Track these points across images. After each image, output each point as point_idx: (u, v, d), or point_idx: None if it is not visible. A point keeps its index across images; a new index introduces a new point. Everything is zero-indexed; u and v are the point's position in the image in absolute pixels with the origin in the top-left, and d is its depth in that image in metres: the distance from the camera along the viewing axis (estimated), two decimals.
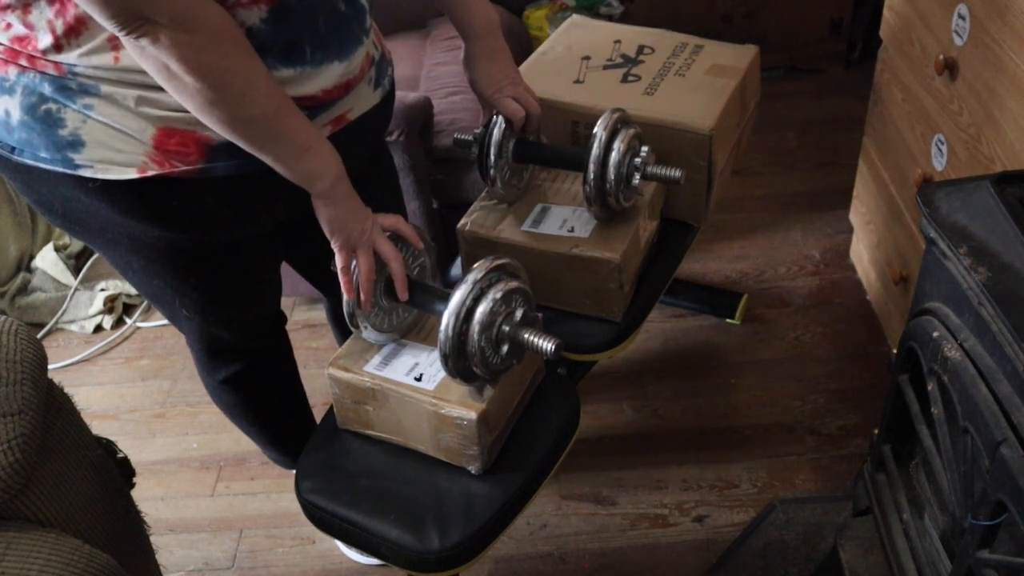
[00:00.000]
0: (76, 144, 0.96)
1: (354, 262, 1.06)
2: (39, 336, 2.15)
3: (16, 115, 0.96)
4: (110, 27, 0.83)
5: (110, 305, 2.19)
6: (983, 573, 0.89)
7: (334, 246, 1.05)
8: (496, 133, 1.26)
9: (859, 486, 1.27)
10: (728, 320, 1.99)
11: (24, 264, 2.32)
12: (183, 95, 0.89)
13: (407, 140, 1.72)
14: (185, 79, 0.86)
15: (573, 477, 1.70)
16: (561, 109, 1.44)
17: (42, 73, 0.93)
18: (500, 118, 1.26)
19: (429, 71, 2.08)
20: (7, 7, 0.90)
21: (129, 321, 2.19)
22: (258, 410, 1.43)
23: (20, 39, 0.92)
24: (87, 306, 2.19)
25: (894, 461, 1.17)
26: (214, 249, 1.11)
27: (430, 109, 1.81)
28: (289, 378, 1.46)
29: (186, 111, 0.92)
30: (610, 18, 2.45)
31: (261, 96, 0.91)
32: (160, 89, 0.91)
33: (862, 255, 2.01)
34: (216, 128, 0.93)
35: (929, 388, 0.99)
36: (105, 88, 0.93)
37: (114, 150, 0.96)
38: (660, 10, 2.63)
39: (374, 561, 1.58)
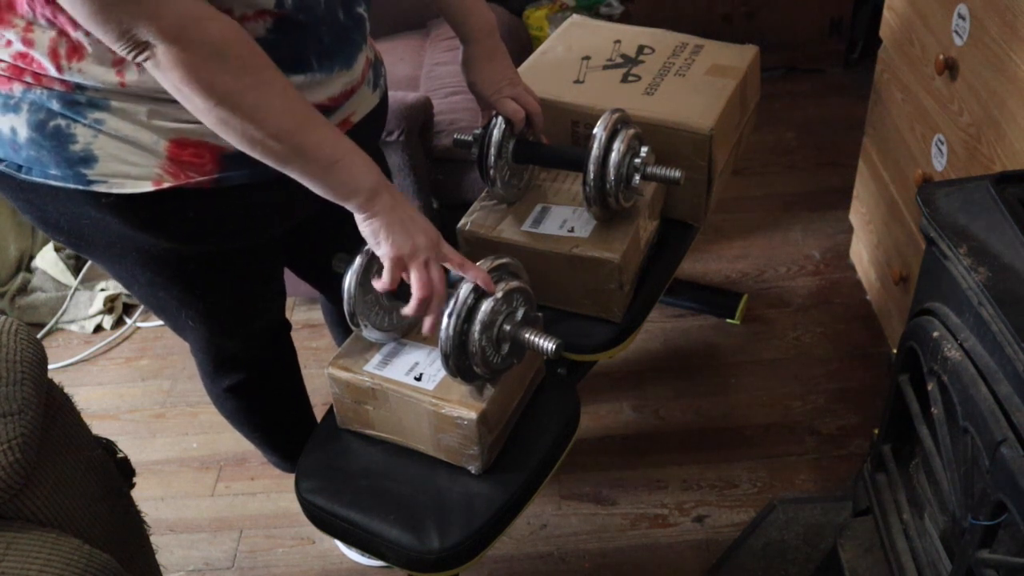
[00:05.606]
0: (88, 159, 0.93)
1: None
2: (39, 336, 2.14)
3: (23, 133, 0.93)
4: (117, 49, 0.82)
5: (110, 305, 2.19)
6: (983, 573, 0.89)
7: (383, 261, 0.99)
8: (496, 133, 1.26)
9: (859, 486, 1.27)
10: (728, 320, 1.99)
11: (24, 264, 2.32)
12: (198, 114, 0.86)
13: (407, 140, 1.72)
14: (194, 99, 0.84)
15: (573, 477, 1.70)
16: (561, 109, 1.44)
17: (49, 89, 0.91)
18: (500, 118, 1.25)
19: (429, 71, 2.08)
20: (6, 24, 0.88)
21: (129, 321, 2.19)
22: (261, 417, 1.43)
23: (23, 56, 0.90)
24: (87, 306, 2.19)
25: (894, 461, 1.17)
26: (223, 258, 1.10)
27: (430, 109, 1.81)
28: (293, 386, 1.46)
29: (199, 122, 0.89)
30: (610, 18, 2.44)
31: (276, 111, 0.87)
32: (172, 101, 0.88)
33: (862, 255, 2.01)
34: (237, 146, 0.89)
35: (929, 388, 0.99)
36: (115, 103, 0.91)
37: (128, 163, 0.94)
38: (660, 10, 2.63)
39: (374, 561, 1.58)
